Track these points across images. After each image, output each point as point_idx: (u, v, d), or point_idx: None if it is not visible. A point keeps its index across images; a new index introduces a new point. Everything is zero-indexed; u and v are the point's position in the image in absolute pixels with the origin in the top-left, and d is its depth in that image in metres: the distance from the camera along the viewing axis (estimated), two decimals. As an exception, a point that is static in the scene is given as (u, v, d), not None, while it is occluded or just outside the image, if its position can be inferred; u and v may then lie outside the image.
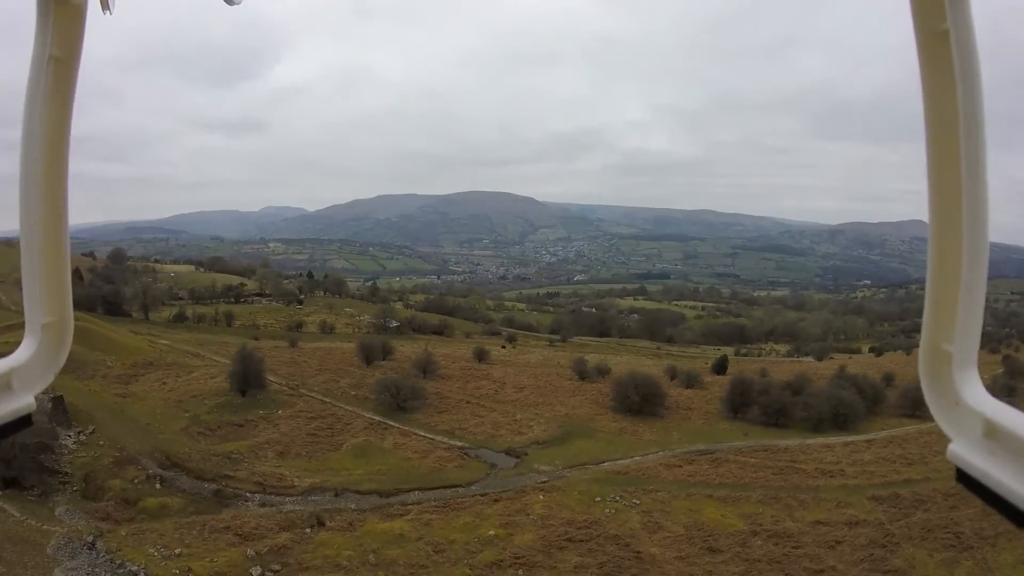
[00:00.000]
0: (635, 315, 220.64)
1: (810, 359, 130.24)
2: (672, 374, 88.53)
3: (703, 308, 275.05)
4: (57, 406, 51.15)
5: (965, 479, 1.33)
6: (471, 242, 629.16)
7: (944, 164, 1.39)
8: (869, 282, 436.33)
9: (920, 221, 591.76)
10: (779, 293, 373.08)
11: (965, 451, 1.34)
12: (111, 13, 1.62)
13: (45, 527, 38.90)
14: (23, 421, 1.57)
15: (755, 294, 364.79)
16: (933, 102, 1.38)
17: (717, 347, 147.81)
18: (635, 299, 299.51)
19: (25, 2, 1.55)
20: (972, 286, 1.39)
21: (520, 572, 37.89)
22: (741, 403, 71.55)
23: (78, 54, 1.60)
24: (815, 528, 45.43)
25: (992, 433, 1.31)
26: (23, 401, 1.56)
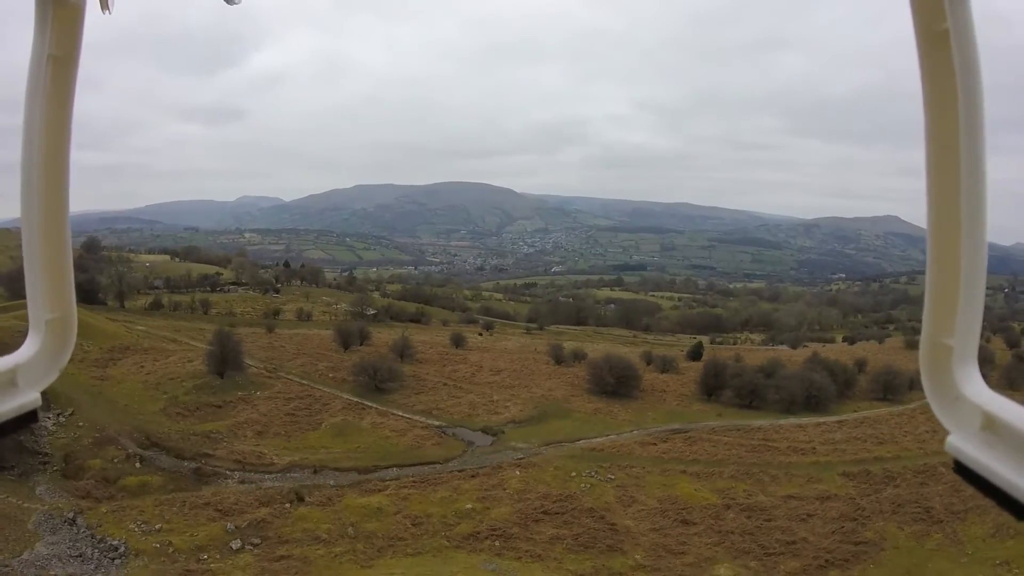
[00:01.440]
0: (612, 305, 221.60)
1: (784, 347, 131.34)
2: (648, 359, 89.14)
3: (679, 299, 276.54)
4: (35, 388, 50.97)
5: (963, 471, 1.36)
6: (449, 233, 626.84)
7: (943, 161, 1.41)
8: (844, 275, 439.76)
9: (894, 217, 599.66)
10: (755, 285, 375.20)
11: (964, 443, 1.37)
12: (110, 13, 1.64)
13: (26, 505, 39.10)
14: (29, 417, 1.57)
15: (731, 286, 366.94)
16: (933, 101, 1.40)
17: (693, 336, 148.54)
18: (612, 290, 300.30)
19: (24, 1, 1.56)
20: (972, 281, 1.41)
21: (497, 543, 38.67)
22: (715, 385, 72.65)
23: (77, 53, 1.64)
24: (787, 502, 46.43)
25: (991, 426, 1.34)
26: (28, 397, 1.57)
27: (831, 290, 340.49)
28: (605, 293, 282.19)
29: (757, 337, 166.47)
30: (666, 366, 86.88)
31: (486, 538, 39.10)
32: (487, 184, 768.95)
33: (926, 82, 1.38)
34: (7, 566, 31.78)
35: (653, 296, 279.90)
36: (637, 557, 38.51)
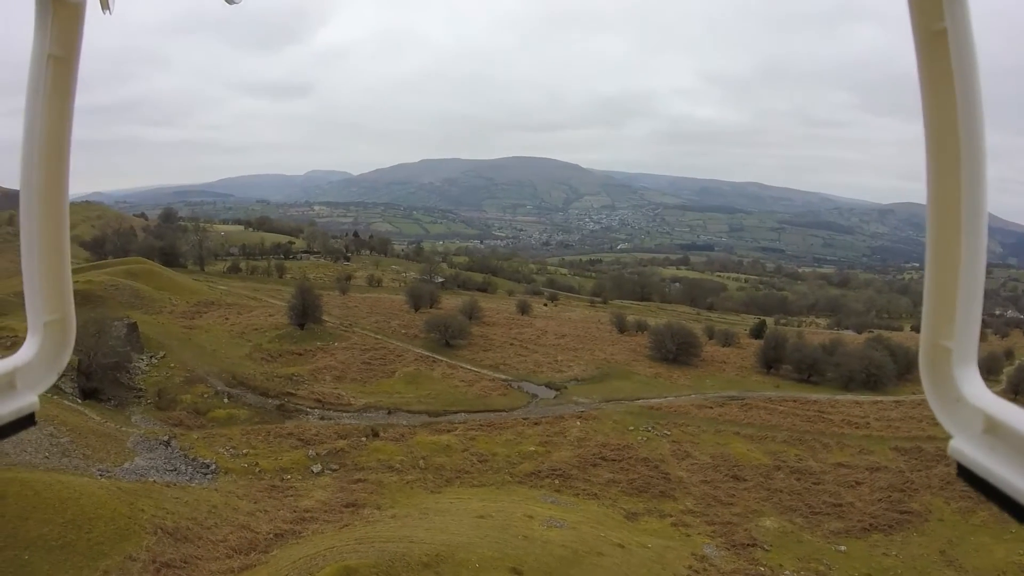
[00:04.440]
0: (676, 283, 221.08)
1: (850, 332, 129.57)
2: (710, 334, 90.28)
3: (746, 280, 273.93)
4: (131, 331, 55.36)
5: (966, 475, 1.33)
6: (515, 208, 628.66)
7: (943, 162, 1.39)
8: (918, 264, 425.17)
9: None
10: (825, 270, 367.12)
11: (966, 447, 1.34)
12: (111, 13, 1.65)
13: (124, 429, 42.70)
14: (27, 420, 1.54)
15: (800, 270, 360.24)
16: (931, 101, 1.37)
17: (758, 316, 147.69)
18: (678, 268, 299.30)
19: (24, 1, 1.55)
20: (971, 283, 1.38)
21: (556, 481, 41.36)
22: (774, 358, 73.59)
23: (77, 53, 1.62)
24: (837, 469, 47.54)
25: (993, 429, 1.31)
26: (27, 400, 1.54)
27: (903, 279, 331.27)
28: (671, 271, 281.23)
29: (823, 321, 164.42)
30: (728, 340, 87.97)
31: (546, 477, 41.79)
32: (553, 159, 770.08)
33: (924, 82, 1.37)
34: (111, 472, 35.15)
35: (719, 276, 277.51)
36: (688, 503, 40.64)
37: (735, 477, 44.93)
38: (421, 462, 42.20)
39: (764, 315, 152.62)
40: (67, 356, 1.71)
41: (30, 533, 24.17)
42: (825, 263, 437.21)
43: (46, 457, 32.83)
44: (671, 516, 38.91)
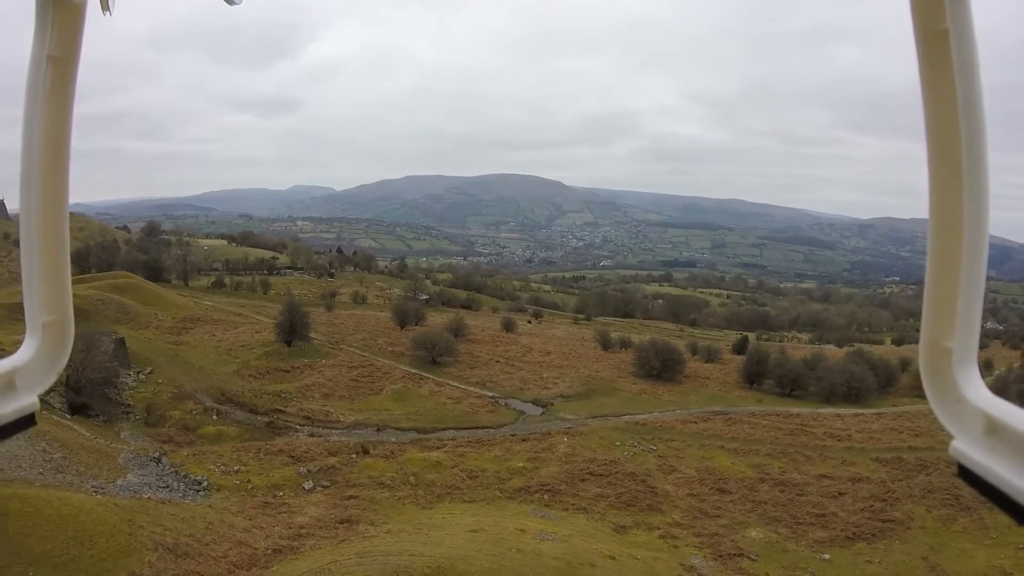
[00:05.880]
0: (659, 300, 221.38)
1: (831, 347, 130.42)
2: (693, 350, 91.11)
3: (728, 296, 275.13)
4: (119, 347, 55.44)
5: (967, 475, 1.33)
6: (498, 224, 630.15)
7: (944, 162, 1.38)
8: (898, 278, 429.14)
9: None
10: (806, 285, 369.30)
11: (967, 447, 1.33)
12: (111, 13, 1.64)
13: (114, 445, 42.76)
14: (27, 420, 1.53)
15: (781, 285, 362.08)
16: (933, 101, 1.37)
17: (740, 332, 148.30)
18: (660, 285, 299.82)
19: (24, 2, 1.54)
20: (971, 283, 1.38)
21: (545, 496, 41.96)
22: (757, 373, 74.32)
23: (77, 54, 1.61)
24: (820, 480, 48.34)
25: (993, 430, 1.31)
26: (26, 400, 1.53)
27: (884, 293, 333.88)
28: (653, 288, 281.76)
29: (804, 336, 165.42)
30: (711, 356, 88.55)
31: (535, 492, 42.35)
32: (537, 176, 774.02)
33: (925, 82, 1.37)
34: (105, 489, 35.21)
35: (701, 292, 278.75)
36: (675, 516, 41.32)
37: (720, 490, 45.66)
38: (412, 478, 42.64)
39: (746, 331, 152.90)
40: (66, 357, 1.72)
41: (34, 550, 24.43)
42: (806, 278, 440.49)
43: (40, 473, 32.92)
44: (659, 528, 39.58)
